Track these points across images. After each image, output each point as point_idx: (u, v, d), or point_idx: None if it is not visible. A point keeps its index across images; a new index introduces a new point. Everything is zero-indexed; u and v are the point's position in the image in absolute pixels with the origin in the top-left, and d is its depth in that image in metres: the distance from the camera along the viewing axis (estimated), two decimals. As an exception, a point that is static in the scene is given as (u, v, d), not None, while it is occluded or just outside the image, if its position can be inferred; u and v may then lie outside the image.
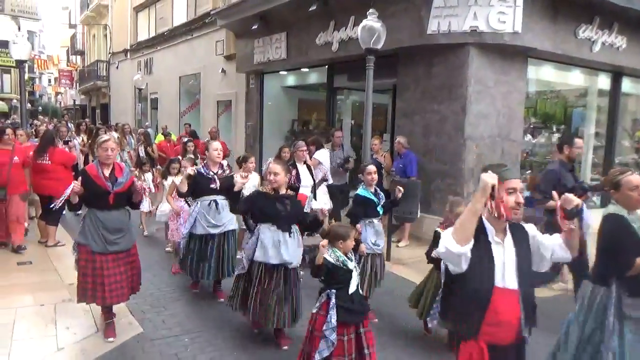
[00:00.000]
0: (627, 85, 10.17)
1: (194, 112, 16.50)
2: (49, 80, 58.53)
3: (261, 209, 3.91)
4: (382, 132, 10.07)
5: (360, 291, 3.55)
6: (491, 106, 7.50)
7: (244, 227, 4.40)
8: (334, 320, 3.25)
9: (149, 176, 7.77)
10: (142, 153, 10.73)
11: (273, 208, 3.88)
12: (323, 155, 7.40)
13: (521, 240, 2.32)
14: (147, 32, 19.87)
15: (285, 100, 12.69)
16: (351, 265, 3.39)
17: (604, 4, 7.55)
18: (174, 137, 12.84)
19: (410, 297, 4.48)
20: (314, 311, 3.39)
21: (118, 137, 10.28)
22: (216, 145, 5.04)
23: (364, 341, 3.33)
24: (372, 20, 6.84)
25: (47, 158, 6.41)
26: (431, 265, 4.33)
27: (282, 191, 3.97)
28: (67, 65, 35.45)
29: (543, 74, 9.08)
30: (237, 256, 4.92)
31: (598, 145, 9.97)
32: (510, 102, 7.72)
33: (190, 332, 4.33)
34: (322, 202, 6.53)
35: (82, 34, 30.29)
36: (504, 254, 2.25)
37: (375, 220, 4.67)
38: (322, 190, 6.82)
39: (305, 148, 6.53)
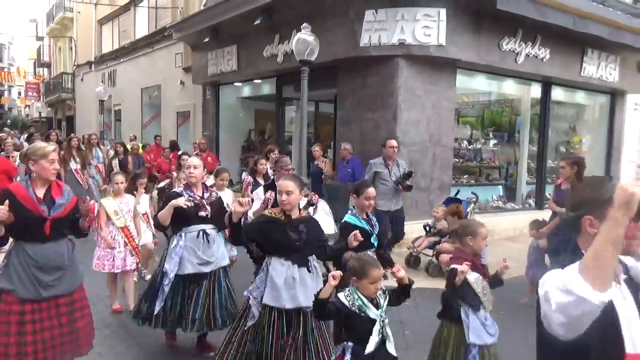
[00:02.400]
0: (559, 94, 10.86)
1: (155, 123, 16.71)
2: (19, 93, 57.78)
3: (270, 239, 3.15)
4: (330, 139, 10.50)
5: (392, 351, 2.66)
6: (421, 114, 7.99)
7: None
8: None
9: (145, 199, 5.74)
10: (116, 167, 9.72)
11: (284, 237, 3.10)
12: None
13: (634, 284, 1.64)
14: (110, 44, 20.06)
15: (241, 111, 13.07)
16: (373, 313, 2.59)
17: (525, 18, 8.14)
18: (141, 150, 12.49)
19: None
20: None
21: (84, 150, 9.93)
22: (192, 161, 4.01)
23: None
24: (305, 34, 7.29)
25: None
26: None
27: (295, 214, 3.19)
28: (34, 78, 35.16)
29: (477, 84, 9.69)
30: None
31: (532, 151, 10.58)
32: (441, 110, 8.23)
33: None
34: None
35: (49, 46, 30.22)
36: (625, 302, 1.57)
37: (369, 252, 3.72)
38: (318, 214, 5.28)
39: (291, 167, 5.24)
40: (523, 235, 8.68)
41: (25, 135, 15.65)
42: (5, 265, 3.04)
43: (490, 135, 10.50)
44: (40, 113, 29.30)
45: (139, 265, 5.46)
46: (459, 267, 2.98)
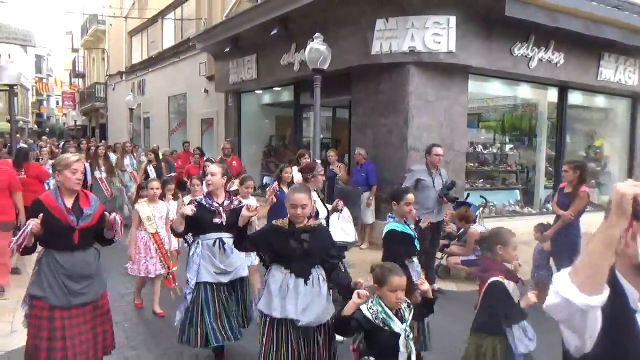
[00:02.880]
0: (578, 98, 10.80)
1: (181, 130, 17.29)
2: (57, 102, 60.23)
3: (271, 247, 3.09)
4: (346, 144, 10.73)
5: None
6: (433, 119, 8.14)
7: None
8: None
9: (173, 205, 5.48)
10: (152, 174, 9.72)
11: (285, 246, 3.01)
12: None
13: None
14: (140, 55, 20.86)
15: (262, 117, 13.43)
16: (397, 327, 2.46)
17: (537, 24, 8.20)
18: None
19: None
20: None
21: (117, 158, 10.54)
22: (211, 168, 3.96)
23: None
24: (318, 43, 7.55)
25: (23, 173, 7.06)
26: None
27: (301, 223, 3.07)
28: (69, 88, 36.67)
29: (493, 90, 9.77)
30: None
31: (551, 155, 10.54)
32: (453, 114, 8.35)
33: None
34: (338, 235, 5.14)
35: (83, 57, 31.53)
36: None
37: (414, 259, 3.80)
38: (338, 220, 5.25)
39: (323, 172, 5.05)
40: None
41: (62, 143, 16.45)
42: (36, 272, 3.13)
43: (507, 140, 10.52)
44: (75, 121, 30.55)
45: (168, 273, 5.28)
46: (530, 299, 2.90)
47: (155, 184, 5.19)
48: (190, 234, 4.00)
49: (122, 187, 10.08)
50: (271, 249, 3.09)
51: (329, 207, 4.88)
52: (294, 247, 2.99)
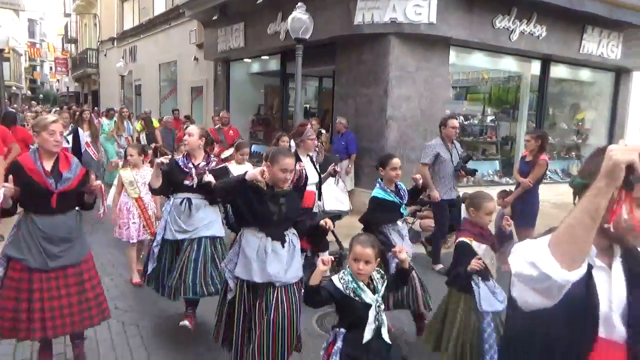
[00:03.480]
0: (562, 71, 10.95)
1: (172, 97, 17.35)
2: (50, 68, 59.61)
3: (250, 208, 2.95)
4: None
5: (386, 338, 2.47)
6: (413, 89, 8.31)
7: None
8: None
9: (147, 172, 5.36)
10: (143, 140, 10.03)
11: (264, 208, 2.94)
12: None
13: (636, 270, 1.45)
14: (131, 21, 20.68)
15: (250, 86, 13.53)
16: (368, 297, 2.43)
17: (519, -4, 8.29)
18: (155, 124, 12.44)
19: (427, 336, 3.39)
20: (321, 352, 2.60)
21: (115, 122, 10.51)
22: (191, 129, 4.05)
23: None
24: (300, 13, 7.65)
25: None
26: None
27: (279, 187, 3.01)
28: (61, 54, 36.29)
29: (475, 61, 9.90)
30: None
31: (532, 127, 10.75)
32: (433, 85, 8.51)
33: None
34: (332, 204, 5.21)
35: (75, 22, 31.11)
36: (610, 286, 1.42)
37: (399, 223, 3.86)
38: (332, 189, 5.25)
39: (314, 136, 4.95)
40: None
41: (54, 110, 16.50)
42: (14, 234, 3.11)
43: (489, 112, 10.71)
44: (67, 88, 30.41)
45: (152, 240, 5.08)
46: (472, 265, 2.99)
47: (131, 150, 5.19)
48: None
49: (120, 151, 10.12)
50: (250, 210, 2.95)
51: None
52: (273, 211, 2.94)
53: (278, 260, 2.95)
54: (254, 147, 12.92)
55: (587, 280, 1.36)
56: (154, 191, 4.06)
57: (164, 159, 3.83)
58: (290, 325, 2.93)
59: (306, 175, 4.23)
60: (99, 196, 3.29)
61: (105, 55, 23.56)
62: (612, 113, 11.62)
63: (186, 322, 3.87)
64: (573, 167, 11.74)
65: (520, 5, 8.60)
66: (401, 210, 3.84)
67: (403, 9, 7.84)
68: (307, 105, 12.27)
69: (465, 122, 10.17)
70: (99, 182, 3.26)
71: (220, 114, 10.69)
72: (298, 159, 4.10)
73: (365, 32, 8.14)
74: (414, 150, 8.44)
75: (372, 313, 2.41)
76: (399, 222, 3.85)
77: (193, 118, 13.60)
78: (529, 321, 1.45)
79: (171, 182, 3.91)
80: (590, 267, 1.37)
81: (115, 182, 5.31)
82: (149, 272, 4.02)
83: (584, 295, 1.37)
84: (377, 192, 3.83)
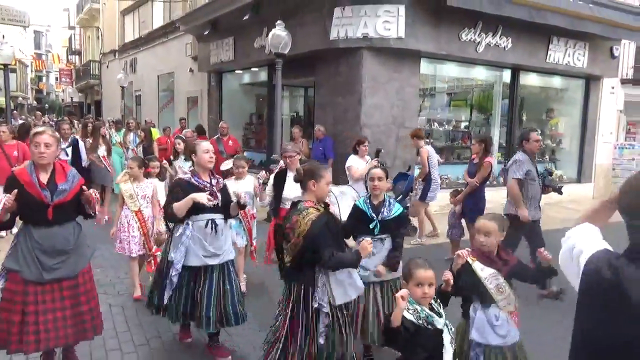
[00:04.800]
0: (533, 79, 11.61)
1: (169, 108, 18.11)
2: (56, 79, 60.60)
3: (334, 245, 2.93)
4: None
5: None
6: (384, 99, 8.98)
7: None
8: None
9: (161, 186, 5.49)
10: (140, 152, 9.62)
11: (334, 228, 3.04)
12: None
13: None
14: (132, 34, 21.52)
15: (242, 96, 14.26)
16: (440, 322, 2.35)
17: (483, 12, 8.94)
18: (155, 134, 12.22)
19: None
20: None
21: (123, 134, 10.64)
22: (206, 145, 3.84)
23: None
24: (279, 30, 8.40)
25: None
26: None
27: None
28: (65, 65, 37.29)
29: (448, 71, 10.57)
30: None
31: (503, 132, 11.40)
32: (404, 95, 9.18)
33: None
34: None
35: (79, 35, 32.07)
36: None
37: (367, 238, 3.18)
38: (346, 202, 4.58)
39: (294, 154, 5.14)
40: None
41: (54, 121, 17.15)
42: (14, 246, 3.12)
43: (463, 118, 11.36)
44: (72, 98, 31.31)
45: (149, 256, 5.09)
46: (458, 252, 2.87)
47: (131, 162, 5.10)
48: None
49: (126, 163, 10.01)
50: (337, 246, 2.92)
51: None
52: (337, 232, 3.04)
53: (352, 279, 3.00)
54: (246, 154, 13.66)
55: None
56: (174, 220, 3.68)
57: (209, 197, 3.54)
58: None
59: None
60: (92, 203, 3.22)
61: (107, 66, 24.42)
62: (583, 118, 12.23)
63: (189, 340, 4.01)
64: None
65: (486, 19, 9.26)
66: (370, 226, 3.44)
67: (374, 25, 8.54)
68: (294, 114, 12.96)
69: (440, 129, 10.82)
70: (91, 190, 3.23)
71: (220, 124, 10.55)
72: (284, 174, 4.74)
73: (340, 46, 8.84)
74: (389, 155, 9.12)
75: (446, 337, 2.33)
76: (367, 238, 3.20)
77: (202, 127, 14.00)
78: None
79: (195, 205, 3.53)
80: None
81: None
82: (165, 301, 3.67)
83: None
84: (359, 200, 3.66)
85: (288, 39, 8.38)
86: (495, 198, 7.57)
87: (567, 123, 12.58)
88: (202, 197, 3.48)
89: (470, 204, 6.18)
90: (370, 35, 8.58)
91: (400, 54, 8.95)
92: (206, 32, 12.20)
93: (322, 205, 2.96)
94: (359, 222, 3.50)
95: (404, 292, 2.24)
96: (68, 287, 3.16)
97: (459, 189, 6.61)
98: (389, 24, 8.52)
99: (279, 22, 8.39)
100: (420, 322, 2.28)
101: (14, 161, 6.67)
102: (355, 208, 3.58)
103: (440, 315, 2.37)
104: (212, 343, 3.83)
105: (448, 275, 2.62)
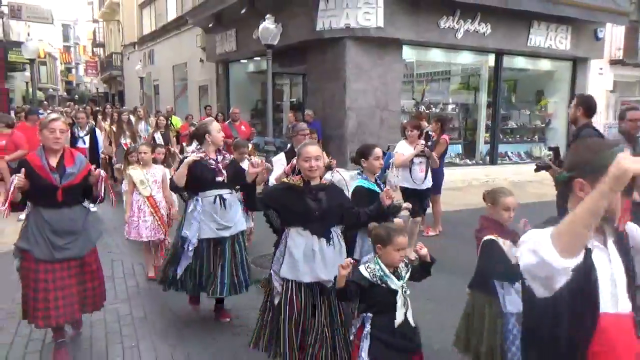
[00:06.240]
0: (520, 62, 12.15)
1: (184, 96, 19.20)
2: (85, 70, 62.52)
3: (288, 207, 2.98)
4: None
5: (411, 321, 2.62)
6: (368, 84, 9.75)
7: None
8: (364, 355, 2.54)
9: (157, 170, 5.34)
10: (159, 140, 9.34)
11: (303, 205, 2.93)
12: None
13: (623, 242, 1.67)
14: (149, 27, 22.64)
15: (248, 84, 15.19)
16: (394, 284, 2.56)
17: (459, 0, 9.56)
18: (176, 121, 12.61)
19: (457, 339, 3.12)
20: (351, 337, 2.75)
21: (134, 122, 10.65)
22: (218, 125, 4.03)
23: None
24: (268, 23, 9.24)
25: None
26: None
27: (315, 181, 3.00)
28: (90, 57, 38.94)
29: (434, 56, 11.24)
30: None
31: (489, 113, 12.01)
32: (387, 80, 9.94)
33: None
34: None
35: (102, 28, 33.52)
36: (610, 264, 1.56)
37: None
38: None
39: (307, 132, 4.99)
40: (469, 187, 10.41)
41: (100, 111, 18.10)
42: (25, 227, 3.32)
43: (450, 101, 12.02)
44: (97, 89, 32.87)
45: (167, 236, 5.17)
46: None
47: (144, 147, 5.19)
48: (185, 193, 4.12)
49: None
50: (288, 209, 2.97)
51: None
52: (312, 207, 2.91)
53: (325, 261, 2.90)
54: (254, 139, 14.63)
55: (586, 264, 1.47)
56: (177, 190, 4.01)
57: (198, 155, 3.82)
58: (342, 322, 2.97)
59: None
60: (100, 184, 3.40)
61: (128, 58, 25.70)
62: (571, 99, 12.65)
63: (227, 319, 4.15)
64: (536, 149, 12.93)
65: (464, 7, 9.89)
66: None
67: (355, 16, 9.30)
68: (295, 100, 13.83)
69: (428, 111, 11.51)
70: (100, 170, 3.43)
71: (231, 110, 10.99)
72: (293, 154, 4.33)
73: (326, 36, 9.63)
74: (372, 136, 9.92)
75: (399, 298, 2.53)
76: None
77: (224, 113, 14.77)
78: (538, 311, 1.59)
79: (200, 180, 3.82)
80: (589, 251, 1.49)
81: (125, 183, 5.47)
82: (179, 275, 3.91)
83: (583, 280, 1.48)
84: (361, 182, 3.72)
85: (277, 31, 9.22)
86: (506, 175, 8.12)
87: (557, 104, 13.06)
88: (192, 157, 3.81)
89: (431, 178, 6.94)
90: (352, 25, 9.34)
91: (381, 42, 9.68)
92: (210, 25, 13.12)
93: (301, 181, 2.98)
94: (374, 202, 3.45)
95: (346, 262, 2.50)
96: (75, 265, 3.37)
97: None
98: (369, 15, 9.26)
99: (268, 15, 9.24)
100: (375, 280, 2.52)
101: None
102: (363, 190, 3.64)
103: (400, 278, 2.56)
104: (218, 306, 4.20)
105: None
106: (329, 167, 4.58)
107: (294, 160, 3.85)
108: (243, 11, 11.16)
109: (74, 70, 60.72)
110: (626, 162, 1.26)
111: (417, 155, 5.88)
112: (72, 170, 3.28)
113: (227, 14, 12.62)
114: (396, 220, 3.14)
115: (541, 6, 10.19)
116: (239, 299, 4.23)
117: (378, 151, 3.77)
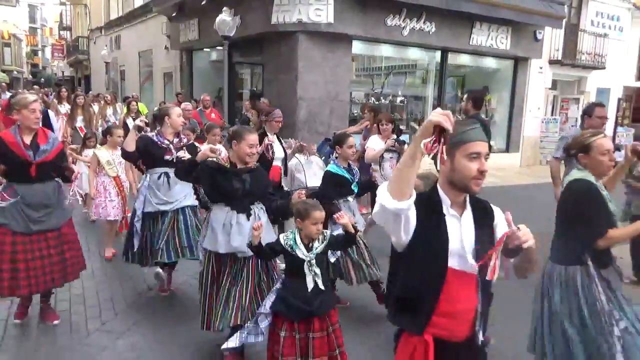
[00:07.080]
0: (465, 59, 13.03)
1: (149, 83, 19.48)
2: (52, 53, 61.04)
3: (214, 185, 3.22)
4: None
5: (321, 286, 2.83)
6: (320, 76, 10.42)
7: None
8: (267, 305, 2.87)
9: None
10: (131, 124, 8.58)
11: (228, 185, 3.19)
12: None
13: (483, 219, 1.92)
14: (116, 11, 22.71)
15: (210, 72, 15.62)
16: (302, 254, 2.80)
17: (404, 0, 10.30)
18: (142, 108, 12.67)
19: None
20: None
21: (100, 107, 11.11)
22: (179, 110, 4.32)
23: (312, 349, 2.80)
24: (225, 15, 9.79)
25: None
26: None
27: (250, 163, 3.28)
28: (56, 41, 38.35)
29: (384, 51, 11.99)
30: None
31: (435, 105, 12.87)
32: (337, 73, 10.63)
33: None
34: (313, 180, 5.21)
35: (70, 11, 33.12)
36: (460, 230, 1.85)
37: (350, 198, 4.18)
38: (312, 170, 5.33)
39: (280, 119, 5.39)
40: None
41: (53, 94, 18.31)
42: None
43: (400, 93, 12.83)
44: (63, 72, 32.53)
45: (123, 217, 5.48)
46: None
47: (120, 132, 5.50)
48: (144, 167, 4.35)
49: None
50: (214, 187, 3.21)
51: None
52: (237, 187, 3.17)
53: (241, 233, 3.14)
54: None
55: (439, 224, 1.80)
56: (127, 155, 4.14)
57: (143, 120, 4.12)
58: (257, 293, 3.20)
59: (274, 150, 4.82)
60: (70, 180, 3.71)
61: (94, 42, 25.63)
62: (512, 95, 13.70)
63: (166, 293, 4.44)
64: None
65: (409, 7, 10.63)
66: (352, 187, 4.13)
67: (307, 11, 9.94)
68: (254, 89, 14.39)
69: (377, 102, 12.30)
70: (74, 166, 3.82)
71: (202, 97, 11.00)
72: (266, 135, 4.85)
73: (280, 30, 10.25)
74: (323, 125, 10.63)
75: (305, 267, 2.79)
76: (349, 198, 4.16)
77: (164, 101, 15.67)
78: (398, 262, 1.92)
79: (150, 156, 4.13)
80: (443, 215, 1.82)
81: (86, 165, 5.79)
82: (135, 248, 4.19)
83: (435, 236, 1.80)
84: (331, 167, 4.11)
85: (233, 24, 9.80)
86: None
87: (499, 99, 14.04)
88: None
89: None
90: (304, 20, 9.99)
91: (332, 37, 10.35)
92: (174, 14, 13.55)
93: (229, 162, 3.28)
94: (342, 185, 4.07)
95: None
96: (52, 237, 3.57)
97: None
98: (320, 11, 9.92)
99: (225, 8, 9.79)
100: (287, 247, 2.83)
101: None
102: (333, 174, 4.06)
103: (310, 249, 2.82)
104: (170, 273, 4.51)
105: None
106: (299, 150, 5.30)
107: (267, 140, 4.57)
108: (203, 2, 11.64)
109: (40, 53, 59.27)
110: (432, 115, 1.54)
111: (387, 150, 5.84)
112: (45, 147, 3.47)
113: (190, 4, 13.07)
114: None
115: (481, 8, 11.02)
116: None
117: (351, 140, 4.13)
